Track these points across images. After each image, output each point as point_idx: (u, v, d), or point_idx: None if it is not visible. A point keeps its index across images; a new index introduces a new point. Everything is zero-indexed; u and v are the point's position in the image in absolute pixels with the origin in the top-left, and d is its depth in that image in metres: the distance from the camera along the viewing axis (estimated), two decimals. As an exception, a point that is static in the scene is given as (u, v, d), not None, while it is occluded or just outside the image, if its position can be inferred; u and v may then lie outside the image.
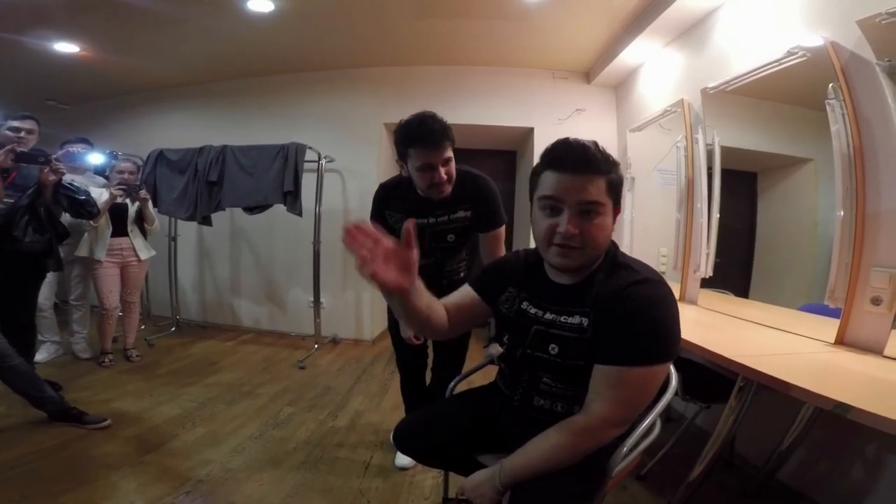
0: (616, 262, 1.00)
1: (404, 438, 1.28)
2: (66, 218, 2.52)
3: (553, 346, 1.02)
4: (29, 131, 2.30)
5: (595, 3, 2.76)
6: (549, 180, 0.95)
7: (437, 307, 1.11)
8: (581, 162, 0.92)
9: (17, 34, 3.17)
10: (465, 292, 1.20)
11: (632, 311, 0.91)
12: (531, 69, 3.81)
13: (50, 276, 2.68)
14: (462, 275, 1.86)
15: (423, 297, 1.03)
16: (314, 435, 2.22)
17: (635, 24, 2.91)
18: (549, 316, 1.04)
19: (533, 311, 1.07)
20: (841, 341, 1.53)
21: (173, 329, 4.09)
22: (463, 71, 3.86)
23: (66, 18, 3.01)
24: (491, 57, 3.68)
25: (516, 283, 1.13)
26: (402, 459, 1.93)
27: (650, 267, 1.01)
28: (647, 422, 1.00)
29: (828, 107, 1.64)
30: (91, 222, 2.78)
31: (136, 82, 4.34)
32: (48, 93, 4.45)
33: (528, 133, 3.95)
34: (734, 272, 2.33)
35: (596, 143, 0.95)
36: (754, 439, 1.92)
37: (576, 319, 0.99)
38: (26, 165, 2.18)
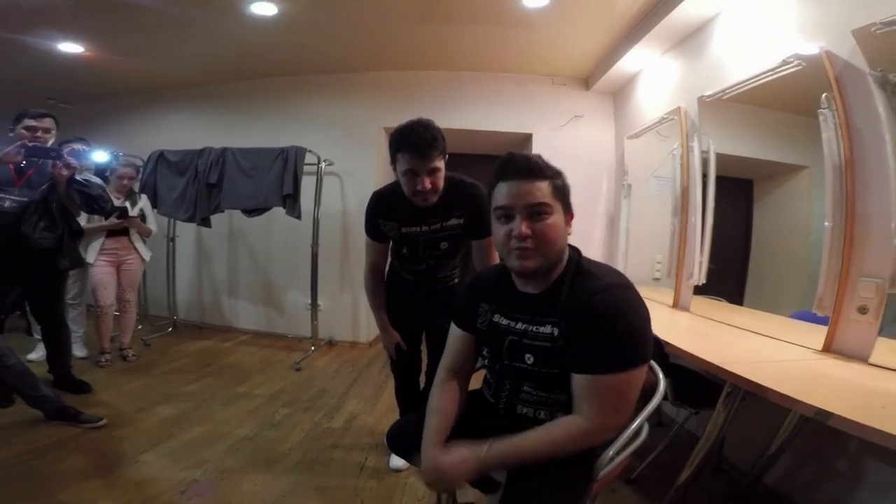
0: (580, 269, 1.03)
1: (397, 440, 1.30)
2: None
3: (528, 355, 1.05)
4: (46, 130, 2.25)
5: (594, 10, 2.79)
6: (500, 191, 1.03)
7: (452, 409, 1.16)
8: (523, 169, 1.00)
9: (21, 34, 3.20)
10: (455, 338, 1.23)
11: (601, 321, 0.93)
12: (530, 75, 3.84)
13: None
14: (456, 280, 1.88)
15: (448, 429, 1.12)
16: (309, 436, 2.24)
17: (634, 31, 2.95)
18: (520, 326, 1.07)
19: (504, 322, 1.10)
20: (828, 349, 1.55)
21: (170, 329, 4.11)
22: (462, 76, 3.90)
23: (71, 19, 3.04)
24: (490, 62, 3.71)
25: (488, 297, 1.16)
26: (397, 461, 1.95)
27: (615, 271, 1.05)
28: (633, 426, 1.02)
29: (820, 116, 1.66)
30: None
31: (137, 82, 4.37)
32: (49, 92, 4.45)
33: (526, 139, 3.98)
34: (729, 279, 2.34)
35: (539, 156, 1.03)
36: (742, 444, 1.94)
37: (546, 329, 1.02)
38: (42, 163, 2.18)
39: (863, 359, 1.43)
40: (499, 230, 1.04)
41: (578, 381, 0.96)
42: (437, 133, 1.51)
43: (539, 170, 1.00)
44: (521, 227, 0.98)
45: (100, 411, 2.25)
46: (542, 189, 0.99)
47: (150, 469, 1.84)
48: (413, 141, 1.47)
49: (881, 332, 1.43)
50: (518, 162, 1.01)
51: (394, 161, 1.57)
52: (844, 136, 1.57)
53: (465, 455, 0.98)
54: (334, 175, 4.02)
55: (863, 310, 1.46)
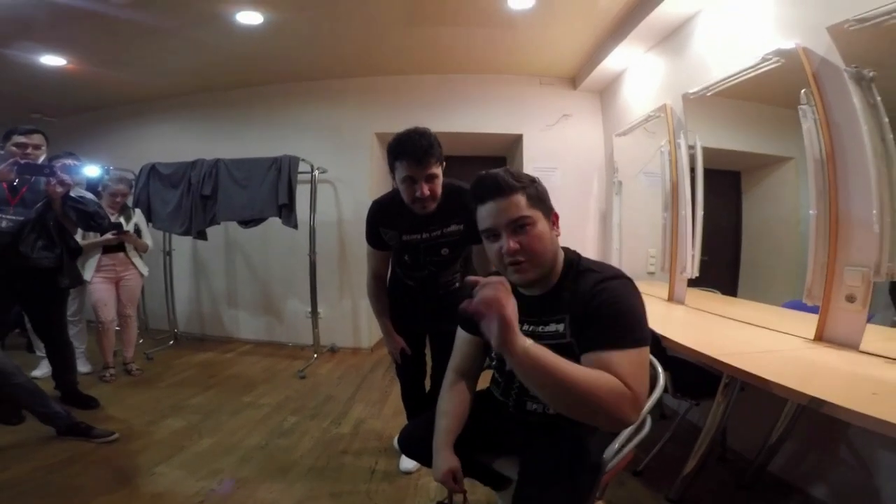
0: (580, 268, 1.08)
1: (409, 443, 1.35)
2: None
3: None
4: (36, 146, 2.25)
5: (578, 9, 2.84)
6: (481, 215, 1.07)
7: (461, 410, 1.21)
8: (495, 189, 1.03)
9: (1, 47, 3.17)
10: (463, 341, 1.27)
11: (605, 303, 0.97)
12: (518, 76, 3.89)
13: None
14: (457, 285, 1.92)
15: (458, 430, 1.17)
16: (319, 443, 2.27)
17: (617, 30, 3.00)
18: (526, 328, 1.10)
19: None
20: (820, 338, 1.61)
21: (171, 342, 4.11)
22: (452, 79, 3.93)
23: (52, 31, 3.03)
24: (479, 64, 3.76)
25: None
26: (406, 463, 1.99)
27: (613, 266, 1.09)
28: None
29: (800, 112, 1.71)
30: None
31: (124, 94, 4.36)
32: (33, 105, 4.43)
33: (517, 139, 4.03)
34: (722, 271, 2.40)
35: (506, 169, 1.07)
36: (745, 434, 2.00)
37: (552, 327, 1.06)
38: (35, 180, 2.18)
39: (853, 346, 1.49)
40: (490, 249, 1.08)
41: (597, 356, 0.92)
42: (434, 140, 1.57)
43: (509, 185, 1.02)
44: (509, 243, 1.01)
45: (110, 426, 2.28)
46: (519, 202, 1.02)
47: (166, 481, 1.87)
48: (410, 148, 1.53)
49: (871, 320, 1.49)
50: (488, 183, 1.05)
51: (392, 170, 1.62)
52: (824, 131, 1.63)
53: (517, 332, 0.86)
54: (328, 182, 4.05)
55: (850, 298, 1.52)
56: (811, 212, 1.68)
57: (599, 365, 0.89)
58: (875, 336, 1.47)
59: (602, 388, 0.85)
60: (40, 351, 2.94)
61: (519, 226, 1.02)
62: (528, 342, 0.86)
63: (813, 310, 1.66)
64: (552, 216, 1.09)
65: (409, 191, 1.58)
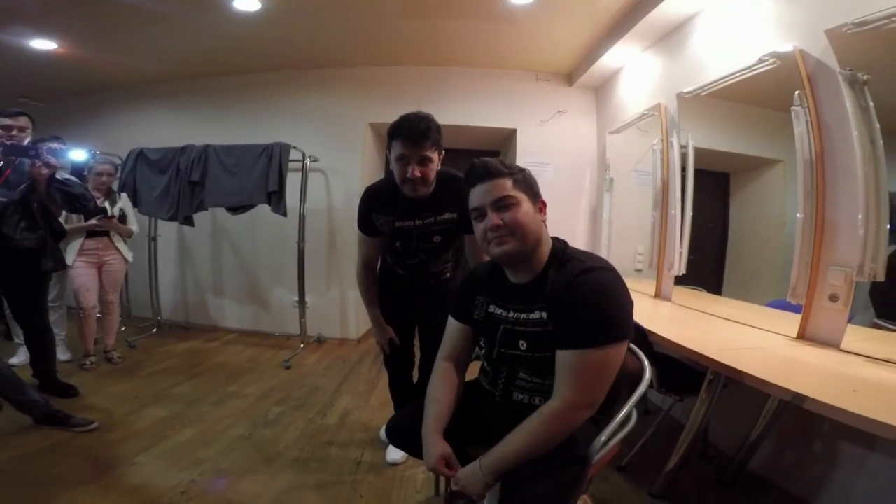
0: (566, 256, 1.11)
1: (397, 433, 1.35)
2: None
3: (522, 342, 1.13)
4: (21, 128, 2.22)
5: (578, 6, 2.84)
6: (471, 196, 1.16)
7: (450, 398, 1.23)
8: (484, 172, 1.13)
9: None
10: (453, 329, 1.30)
11: (581, 298, 1.01)
12: (514, 70, 3.88)
13: None
14: (448, 275, 1.91)
15: (447, 417, 1.20)
16: (304, 433, 2.26)
17: (616, 28, 3.00)
18: (512, 315, 1.15)
19: (498, 312, 1.18)
20: (802, 336, 1.64)
21: (154, 330, 4.05)
22: (448, 72, 3.91)
23: (44, 14, 2.95)
24: (476, 58, 3.74)
25: (483, 290, 1.24)
26: (393, 454, 1.98)
27: (599, 257, 1.13)
28: (623, 413, 1.08)
29: (793, 113, 1.73)
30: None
31: (115, 79, 4.27)
32: (21, 89, 4.31)
33: (511, 134, 4.02)
34: (708, 270, 2.43)
35: (498, 159, 1.17)
36: (727, 431, 2.02)
37: (536, 315, 1.10)
38: (20, 162, 2.14)
39: (834, 345, 1.52)
40: (477, 228, 1.15)
41: (560, 358, 1.03)
42: (433, 125, 1.57)
43: (497, 170, 1.12)
44: (492, 218, 1.09)
45: (89, 415, 2.23)
46: (505, 185, 1.11)
47: (146, 471, 1.84)
48: (407, 129, 1.54)
49: (851, 321, 1.51)
50: (478, 168, 1.14)
51: (389, 148, 1.62)
52: (815, 132, 1.65)
53: (468, 472, 1.06)
54: (319, 171, 4.01)
55: (833, 298, 1.55)
56: (798, 215, 1.70)
57: (564, 367, 1.02)
58: (855, 336, 1.50)
59: (545, 430, 1.01)
60: (18, 338, 2.87)
61: (504, 205, 1.09)
62: (477, 463, 1.05)
63: (796, 309, 1.69)
64: (539, 202, 1.15)
65: (401, 171, 1.59)
